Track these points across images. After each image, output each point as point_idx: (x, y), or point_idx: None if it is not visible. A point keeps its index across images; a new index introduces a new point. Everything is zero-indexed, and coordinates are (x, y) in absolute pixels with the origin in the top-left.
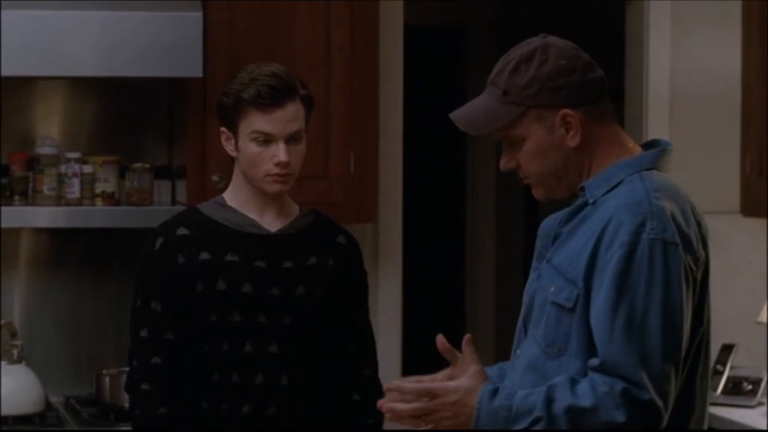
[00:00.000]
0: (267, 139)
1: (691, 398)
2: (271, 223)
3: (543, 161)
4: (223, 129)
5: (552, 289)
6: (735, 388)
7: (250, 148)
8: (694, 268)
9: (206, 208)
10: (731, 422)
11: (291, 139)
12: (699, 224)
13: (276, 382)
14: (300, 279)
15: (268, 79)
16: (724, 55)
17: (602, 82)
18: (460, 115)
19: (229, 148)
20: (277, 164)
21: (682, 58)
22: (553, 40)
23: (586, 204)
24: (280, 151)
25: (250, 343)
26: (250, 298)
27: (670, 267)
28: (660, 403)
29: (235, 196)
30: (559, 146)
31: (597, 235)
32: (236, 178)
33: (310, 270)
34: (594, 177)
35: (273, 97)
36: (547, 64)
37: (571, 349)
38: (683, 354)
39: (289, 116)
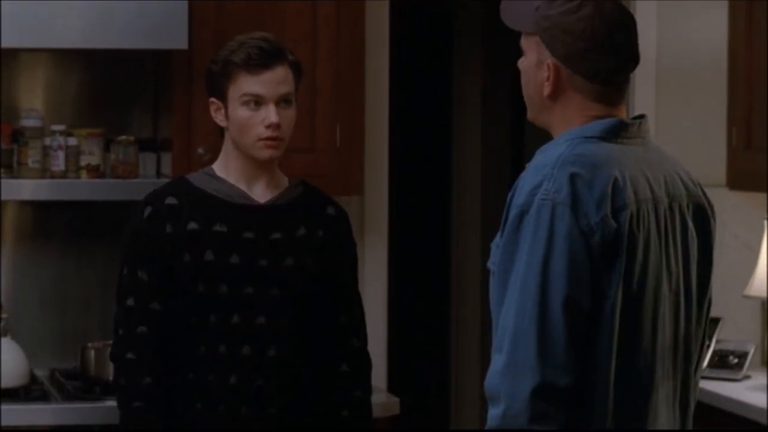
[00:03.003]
0: (257, 101)
1: (623, 374)
2: (260, 194)
3: (525, 83)
4: (212, 99)
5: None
6: (721, 361)
7: (241, 112)
8: (588, 231)
9: (195, 178)
10: (717, 396)
11: (281, 102)
12: (619, 194)
13: (263, 354)
14: (289, 250)
15: (257, 41)
16: (710, 27)
17: (604, 71)
18: (506, 3)
19: (219, 118)
20: (268, 126)
21: (669, 31)
22: (608, 2)
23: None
24: (270, 113)
25: (238, 315)
26: (238, 269)
27: (555, 228)
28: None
29: (225, 167)
30: (537, 83)
31: (510, 197)
32: (226, 149)
33: (299, 241)
34: (549, 143)
35: (262, 59)
36: (570, 15)
37: (495, 311)
38: (581, 317)
39: (278, 78)
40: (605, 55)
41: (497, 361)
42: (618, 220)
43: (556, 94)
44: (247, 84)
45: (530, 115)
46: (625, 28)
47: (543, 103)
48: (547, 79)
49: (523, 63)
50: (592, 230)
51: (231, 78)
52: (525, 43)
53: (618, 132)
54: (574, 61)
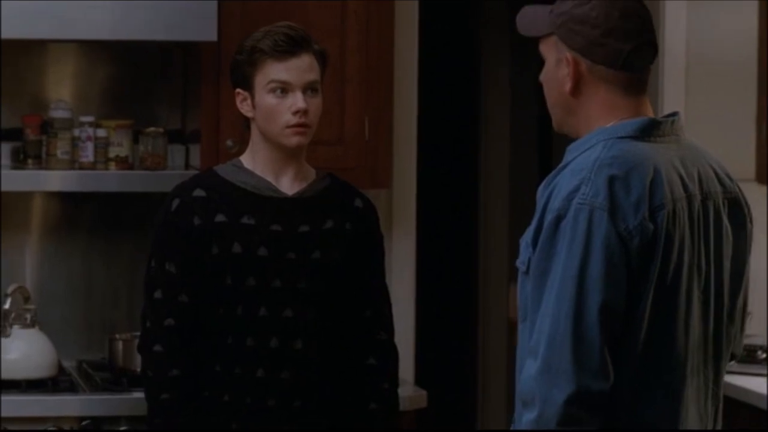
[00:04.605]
0: (285, 89)
1: (654, 371)
2: (288, 186)
3: (548, 90)
4: (238, 90)
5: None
6: (749, 356)
7: (268, 100)
8: (626, 236)
9: (223, 170)
10: (745, 390)
11: (308, 89)
12: (656, 194)
13: (290, 347)
14: (316, 243)
15: (282, 29)
16: (740, 21)
17: (623, 54)
18: (521, 12)
19: (246, 108)
20: (296, 112)
21: (699, 25)
22: None
23: (565, 167)
24: (298, 100)
25: (265, 307)
26: (265, 261)
27: (593, 233)
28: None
29: (252, 159)
30: (559, 83)
31: (546, 198)
32: (253, 141)
33: (327, 234)
34: (577, 141)
35: (289, 45)
36: (583, 6)
37: (530, 314)
38: (617, 321)
39: (305, 65)
40: (622, 39)
41: (531, 365)
42: (655, 221)
43: (578, 89)
44: (274, 71)
45: (556, 124)
46: (638, 15)
47: (567, 104)
48: (568, 75)
49: (544, 71)
50: (631, 234)
51: (258, 66)
52: (543, 47)
53: (651, 131)
54: (592, 49)
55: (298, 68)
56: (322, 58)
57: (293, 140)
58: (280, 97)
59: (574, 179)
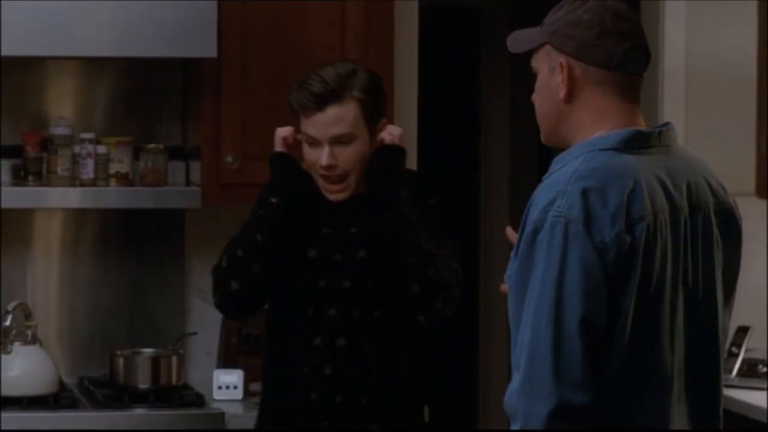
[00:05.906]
0: (313, 142)
1: (639, 386)
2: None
3: (540, 101)
4: None
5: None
6: (750, 370)
7: (305, 148)
8: (602, 249)
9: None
10: (746, 405)
11: (337, 142)
12: (634, 206)
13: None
14: (364, 244)
15: (312, 84)
16: (739, 35)
17: (619, 55)
18: (512, 35)
19: None
20: (321, 167)
21: (698, 39)
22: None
23: (548, 178)
24: (323, 155)
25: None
26: (314, 263)
27: (569, 246)
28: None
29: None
30: (552, 91)
31: (527, 210)
32: None
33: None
34: (563, 152)
35: (313, 103)
36: (576, 11)
37: (513, 327)
38: (598, 333)
39: (330, 120)
40: (616, 40)
41: (515, 379)
42: (633, 233)
43: (572, 95)
44: (304, 125)
45: (545, 135)
46: (631, 19)
47: (559, 113)
48: (562, 81)
49: (536, 84)
50: (607, 247)
51: (297, 117)
52: (536, 60)
53: (635, 142)
54: (586, 51)
55: (323, 124)
56: (362, 104)
57: (332, 197)
58: (312, 148)
59: (551, 191)
